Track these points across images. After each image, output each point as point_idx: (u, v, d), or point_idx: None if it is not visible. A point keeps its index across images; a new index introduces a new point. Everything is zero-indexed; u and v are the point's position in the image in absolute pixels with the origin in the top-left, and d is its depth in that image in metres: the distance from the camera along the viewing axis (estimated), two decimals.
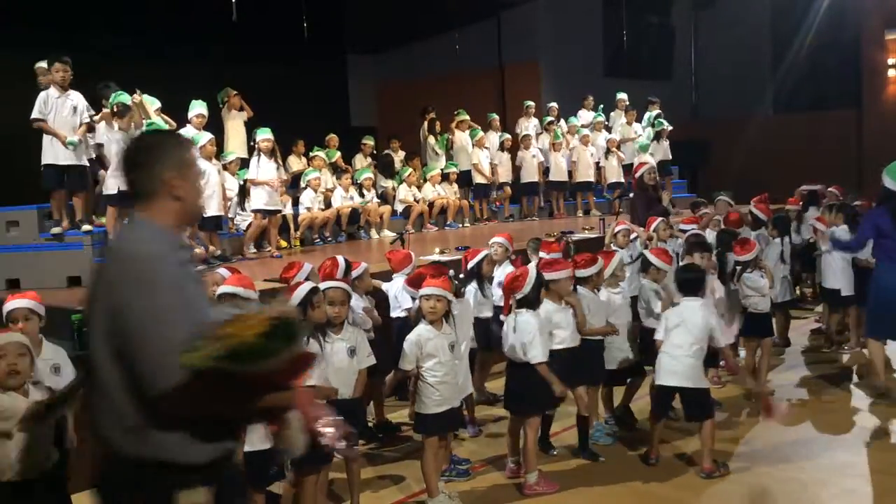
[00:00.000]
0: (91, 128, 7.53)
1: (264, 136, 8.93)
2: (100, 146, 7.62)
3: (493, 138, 12.78)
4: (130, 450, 2.13)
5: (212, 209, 8.24)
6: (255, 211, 8.84)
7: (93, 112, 7.45)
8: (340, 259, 5.28)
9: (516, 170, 12.77)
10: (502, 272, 6.04)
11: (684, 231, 7.24)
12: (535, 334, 4.68)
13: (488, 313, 6.02)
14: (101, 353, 2.15)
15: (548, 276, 5.01)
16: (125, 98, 7.36)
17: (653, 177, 9.04)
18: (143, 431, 2.12)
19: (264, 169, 8.79)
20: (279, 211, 9.09)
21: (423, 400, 4.47)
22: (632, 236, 7.24)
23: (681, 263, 6.53)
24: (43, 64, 7.31)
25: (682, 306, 5.09)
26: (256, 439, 3.94)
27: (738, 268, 6.41)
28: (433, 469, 4.54)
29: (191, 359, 2.00)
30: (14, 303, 4.22)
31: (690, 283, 5.13)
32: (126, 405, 2.13)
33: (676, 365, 5.01)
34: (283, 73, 13.48)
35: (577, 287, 5.32)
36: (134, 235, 2.31)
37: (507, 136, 12.76)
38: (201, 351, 2.00)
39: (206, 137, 8.40)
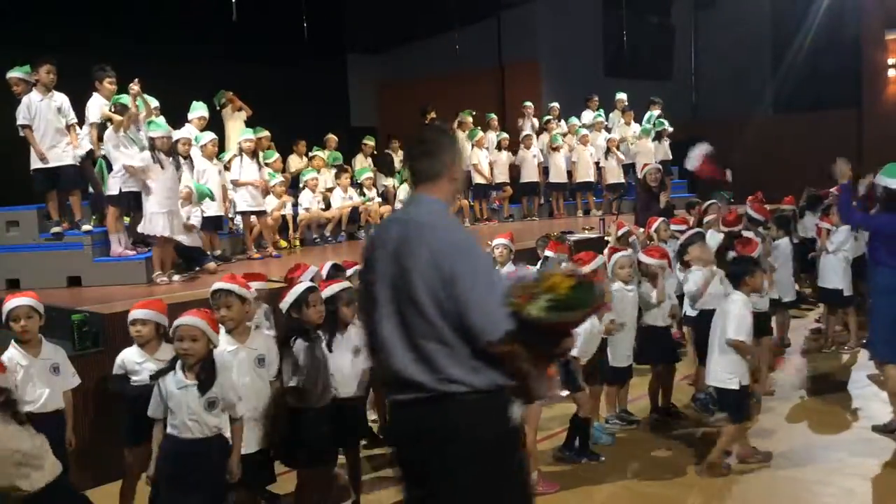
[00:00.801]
0: (81, 125, 7.51)
1: (246, 136, 8.92)
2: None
3: (492, 138, 12.79)
4: (475, 382, 2.62)
5: (212, 209, 8.24)
6: (240, 213, 8.83)
7: (75, 120, 7.41)
8: (327, 264, 5.35)
9: (515, 169, 12.78)
10: (504, 273, 6.04)
11: (682, 232, 7.23)
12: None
13: None
14: (431, 311, 2.60)
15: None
16: (125, 100, 7.36)
17: (655, 177, 9.05)
18: (481, 368, 2.61)
19: (247, 170, 8.78)
20: (264, 211, 9.08)
21: None
22: (630, 238, 7.23)
23: (678, 264, 6.55)
24: (15, 73, 7.25)
25: (727, 299, 5.09)
26: (253, 441, 3.93)
27: None
28: None
29: (528, 309, 2.53)
30: (15, 301, 4.22)
31: (737, 275, 5.09)
32: (466, 350, 2.60)
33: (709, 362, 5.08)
34: (283, 72, 13.49)
35: None
36: (433, 211, 2.76)
37: (505, 135, 12.74)
38: (532, 303, 2.53)
39: (207, 137, 8.42)
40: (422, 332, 2.63)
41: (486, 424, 2.65)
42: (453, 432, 2.63)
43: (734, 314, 4.95)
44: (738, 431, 5.02)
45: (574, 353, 4.92)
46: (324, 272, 5.22)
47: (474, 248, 2.69)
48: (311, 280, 4.73)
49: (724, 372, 4.94)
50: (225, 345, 3.97)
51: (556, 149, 12.75)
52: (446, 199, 2.85)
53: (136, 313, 4.29)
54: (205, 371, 3.65)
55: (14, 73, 7.24)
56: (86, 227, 7.30)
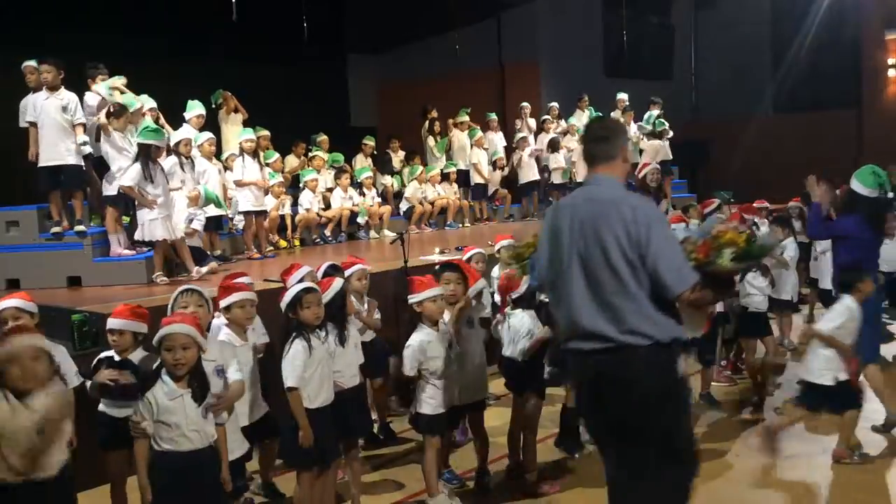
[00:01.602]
0: (85, 127, 7.48)
1: (247, 136, 8.93)
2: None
3: (493, 138, 12.79)
4: (654, 334, 3.08)
5: (212, 209, 8.24)
6: (243, 212, 8.83)
7: (82, 119, 7.39)
8: (324, 264, 5.33)
9: (515, 171, 12.79)
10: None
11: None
12: (527, 329, 4.73)
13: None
14: (624, 273, 3.07)
15: None
16: (124, 100, 7.35)
17: (656, 178, 9.04)
18: (660, 323, 3.09)
19: (249, 170, 8.77)
20: (265, 211, 9.09)
21: (426, 400, 4.47)
22: None
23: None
24: (31, 62, 7.27)
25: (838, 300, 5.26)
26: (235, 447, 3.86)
27: None
28: (434, 468, 4.54)
29: (716, 260, 3.16)
30: (1, 304, 4.19)
31: (849, 283, 5.24)
32: (650, 306, 3.08)
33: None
34: (283, 72, 13.48)
35: None
36: (615, 188, 3.27)
37: (500, 154, 12.70)
38: (717, 256, 3.16)
39: (204, 136, 8.40)
40: (612, 290, 3.10)
41: (657, 373, 3.11)
42: (631, 378, 3.10)
43: (834, 311, 5.15)
44: (851, 421, 5.14)
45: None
46: (320, 272, 5.18)
47: (660, 217, 3.22)
48: (303, 280, 4.70)
49: (819, 368, 5.04)
50: None
51: (555, 149, 12.78)
52: (620, 176, 3.35)
53: (112, 323, 4.16)
54: (196, 379, 3.51)
55: (30, 62, 7.23)
56: (79, 229, 7.28)
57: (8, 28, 9.96)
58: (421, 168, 11.58)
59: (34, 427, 3.09)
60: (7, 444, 3.05)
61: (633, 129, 13.45)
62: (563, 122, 13.57)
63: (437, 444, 4.55)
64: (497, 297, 5.80)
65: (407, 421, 5.03)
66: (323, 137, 11.14)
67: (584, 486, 4.86)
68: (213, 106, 9.81)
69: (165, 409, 3.43)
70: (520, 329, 4.77)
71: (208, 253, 7.91)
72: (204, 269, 6.96)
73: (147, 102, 7.95)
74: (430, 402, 4.46)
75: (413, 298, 4.52)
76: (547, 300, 5.20)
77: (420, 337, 4.47)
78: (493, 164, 12.58)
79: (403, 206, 11.42)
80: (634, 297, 3.08)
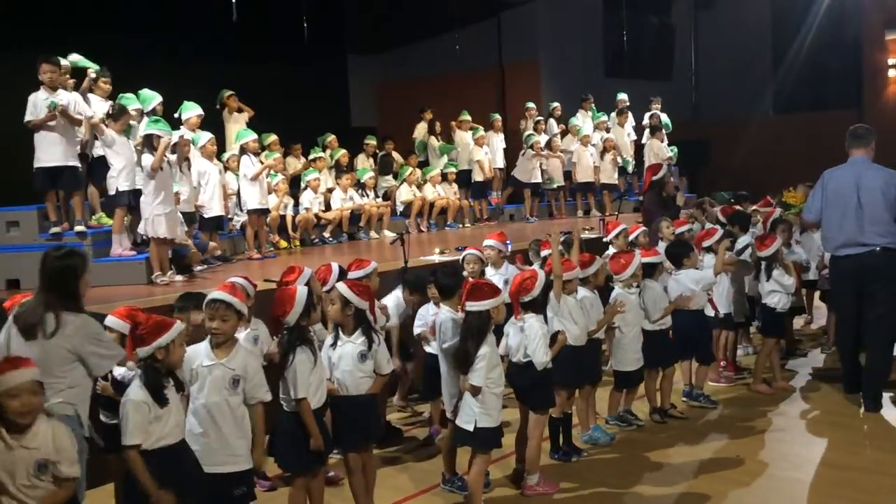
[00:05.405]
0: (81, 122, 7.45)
1: (250, 137, 8.94)
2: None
3: (494, 139, 12.79)
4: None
5: (213, 209, 8.24)
6: (249, 211, 8.83)
7: (81, 116, 7.35)
8: (334, 265, 5.21)
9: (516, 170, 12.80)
10: (502, 275, 6.08)
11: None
12: (541, 337, 4.63)
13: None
14: (882, 206, 5.70)
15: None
16: (125, 101, 7.34)
17: (672, 180, 9.03)
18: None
19: (254, 168, 8.79)
20: (268, 210, 9.09)
21: (489, 412, 4.26)
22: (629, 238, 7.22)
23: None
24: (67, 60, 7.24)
25: None
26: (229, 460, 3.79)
27: (764, 263, 6.46)
28: (481, 484, 4.44)
29: None
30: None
31: None
32: (891, 222, 5.70)
33: None
34: (283, 73, 13.48)
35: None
36: (873, 163, 5.90)
37: (500, 165, 12.70)
38: None
39: (205, 137, 8.39)
40: (879, 215, 5.68)
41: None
42: (884, 265, 5.69)
43: None
44: None
45: (547, 362, 4.71)
46: (333, 277, 5.10)
47: None
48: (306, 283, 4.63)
49: None
50: (203, 357, 3.75)
51: (553, 149, 12.78)
52: (870, 157, 5.95)
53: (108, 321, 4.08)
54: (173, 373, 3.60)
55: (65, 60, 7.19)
56: (79, 229, 7.27)
57: (8, 28, 9.95)
58: (410, 169, 11.53)
59: (34, 464, 3.04)
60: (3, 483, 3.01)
61: (627, 129, 13.47)
62: (561, 123, 13.55)
63: (490, 458, 4.42)
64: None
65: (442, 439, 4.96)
66: (331, 137, 11.14)
67: (584, 487, 4.86)
68: (218, 106, 9.80)
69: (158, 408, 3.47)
70: (532, 334, 4.63)
71: (187, 244, 7.87)
72: (178, 278, 6.95)
73: (155, 98, 7.88)
74: (492, 414, 4.27)
75: (489, 303, 4.24)
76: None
77: (491, 345, 4.28)
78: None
79: (400, 208, 11.40)
80: (886, 219, 5.62)
